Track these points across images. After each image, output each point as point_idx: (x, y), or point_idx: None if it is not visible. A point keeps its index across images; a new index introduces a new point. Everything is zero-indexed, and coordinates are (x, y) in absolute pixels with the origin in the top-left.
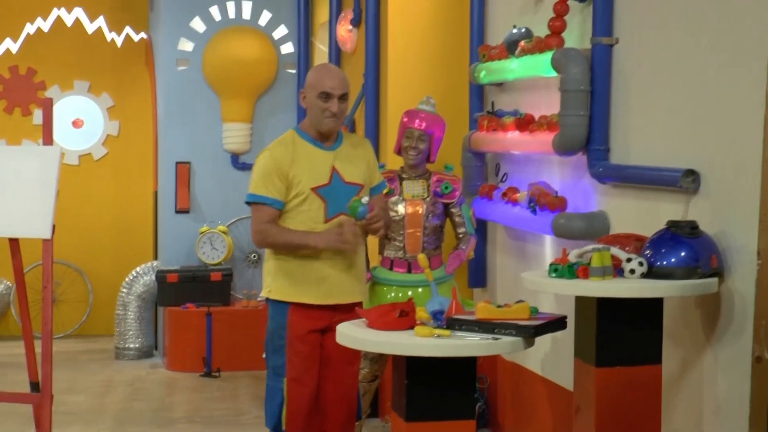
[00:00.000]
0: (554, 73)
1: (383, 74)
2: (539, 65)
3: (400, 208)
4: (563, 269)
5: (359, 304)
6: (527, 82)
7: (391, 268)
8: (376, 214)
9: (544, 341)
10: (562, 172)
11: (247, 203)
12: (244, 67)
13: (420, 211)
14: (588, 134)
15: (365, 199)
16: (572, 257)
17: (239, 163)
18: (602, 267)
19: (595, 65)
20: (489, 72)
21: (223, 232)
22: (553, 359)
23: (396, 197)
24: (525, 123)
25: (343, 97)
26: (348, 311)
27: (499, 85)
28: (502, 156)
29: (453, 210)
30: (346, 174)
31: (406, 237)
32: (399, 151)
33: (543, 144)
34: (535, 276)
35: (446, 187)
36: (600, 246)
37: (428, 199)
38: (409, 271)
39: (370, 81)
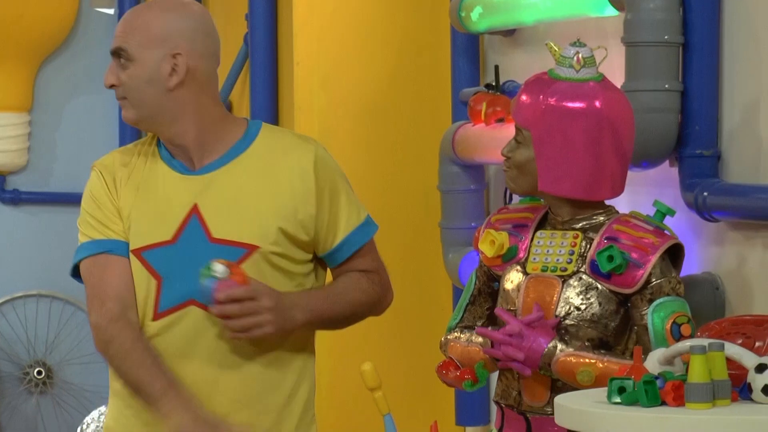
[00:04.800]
0: (613, 11)
1: (284, 11)
2: None
3: (509, 283)
4: (636, 389)
5: None
6: (561, 29)
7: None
8: (239, 295)
9: None
10: (632, 197)
11: (75, 270)
12: (12, 3)
13: (548, 299)
14: (679, 128)
15: (219, 268)
16: (652, 364)
17: (6, 191)
18: (711, 383)
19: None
20: (488, 9)
21: None
22: None
23: (513, 265)
24: None
25: (121, 55)
26: None
27: (509, 33)
28: None
29: (637, 313)
30: (220, 223)
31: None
32: None
33: None
34: (580, 402)
35: (610, 259)
36: (705, 342)
37: (577, 279)
38: None
39: (259, 25)
